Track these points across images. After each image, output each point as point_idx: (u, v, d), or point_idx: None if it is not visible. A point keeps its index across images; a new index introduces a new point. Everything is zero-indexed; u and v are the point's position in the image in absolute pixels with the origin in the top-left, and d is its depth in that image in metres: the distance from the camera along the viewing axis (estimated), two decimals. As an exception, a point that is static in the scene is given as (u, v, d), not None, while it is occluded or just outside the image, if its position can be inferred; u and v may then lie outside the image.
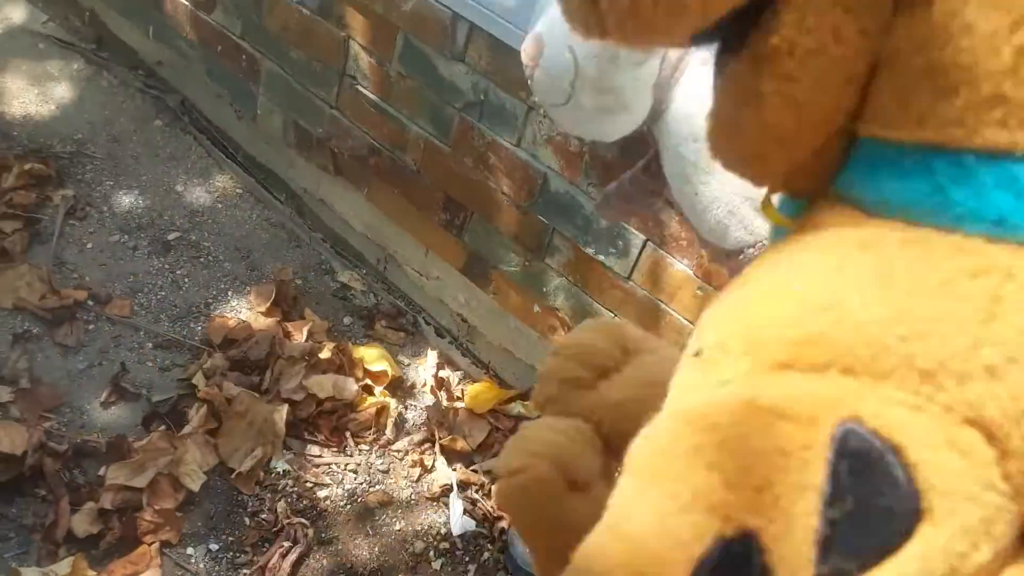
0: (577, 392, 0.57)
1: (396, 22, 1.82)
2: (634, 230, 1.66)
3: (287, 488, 1.84)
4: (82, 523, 1.65)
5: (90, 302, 2.04)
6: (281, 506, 1.79)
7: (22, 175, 2.22)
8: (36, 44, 2.64)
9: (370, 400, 2.00)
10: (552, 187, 1.74)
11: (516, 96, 1.70)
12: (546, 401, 0.57)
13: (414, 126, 1.91)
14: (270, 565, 1.70)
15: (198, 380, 1.94)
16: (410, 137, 1.93)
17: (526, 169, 1.75)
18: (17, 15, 2.71)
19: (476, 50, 1.72)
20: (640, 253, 1.67)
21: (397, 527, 1.84)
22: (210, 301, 2.16)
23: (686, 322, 1.66)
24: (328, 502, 1.84)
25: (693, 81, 0.94)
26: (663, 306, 1.68)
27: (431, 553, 1.81)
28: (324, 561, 1.74)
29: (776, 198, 0.51)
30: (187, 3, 2.27)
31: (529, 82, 0.95)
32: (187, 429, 1.85)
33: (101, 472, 1.73)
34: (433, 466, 1.93)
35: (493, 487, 0.58)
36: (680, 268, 1.62)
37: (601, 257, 1.73)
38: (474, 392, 2.07)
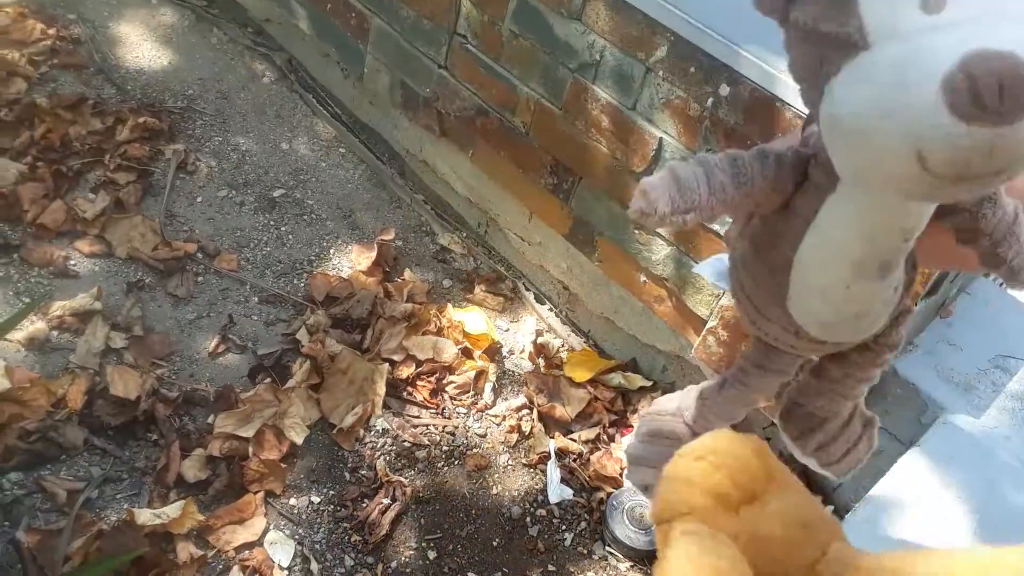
0: (720, 511, 0.48)
1: (512, -21, 1.78)
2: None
3: (386, 446, 1.85)
4: (192, 468, 1.69)
5: (199, 255, 2.08)
6: (380, 464, 1.81)
7: (136, 128, 2.27)
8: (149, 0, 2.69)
9: (469, 363, 1.99)
10: (668, 153, 1.68)
11: (634, 56, 1.65)
12: (684, 512, 0.48)
13: (525, 87, 1.88)
14: (369, 520, 1.71)
15: (301, 336, 1.96)
16: (520, 98, 1.90)
17: (641, 133, 1.70)
18: (132, -28, 2.77)
19: (595, 8, 1.67)
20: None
21: (494, 491, 1.84)
22: (313, 258, 2.18)
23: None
24: (426, 463, 1.85)
25: None
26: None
27: (527, 519, 1.80)
28: (422, 520, 1.75)
29: None
30: (298, -40, 2.27)
31: None
32: (291, 383, 1.87)
33: (210, 420, 1.78)
34: (531, 432, 1.92)
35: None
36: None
37: (715, 226, 1.67)
38: (574, 360, 2.04)
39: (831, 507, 1.75)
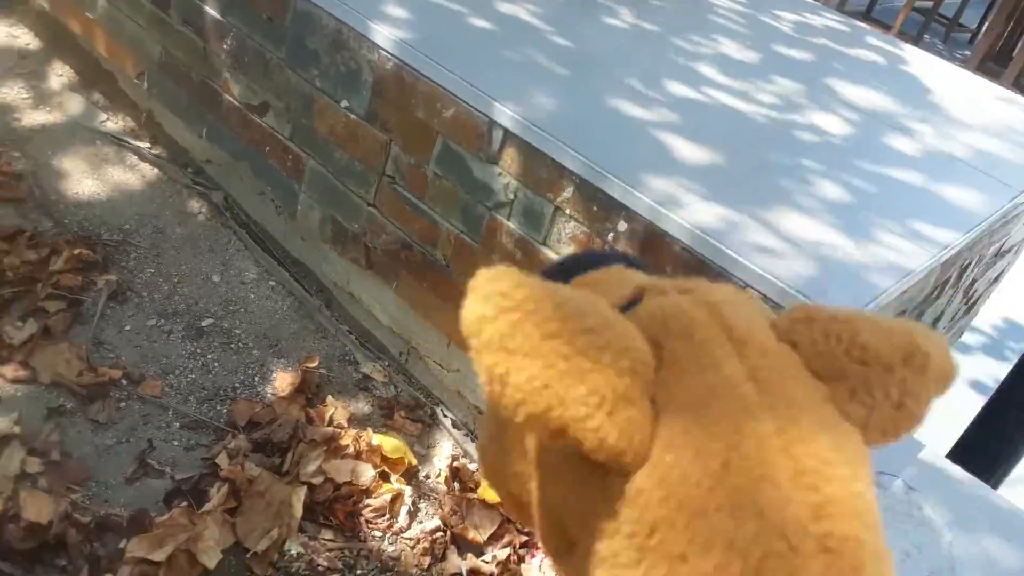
0: None
1: (436, 127, 1.96)
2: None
3: (299, 571, 1.85)
4: (99, 594, 1.66)
5: (124, 381, 2.11)
6: (294, 589, 1.80)
7: (70, 259, 2.34)
8: (94, 139, 2.82)
9: (386, 487, 2.03)
10: (574, 284, 1.82)
11: (544, 196, 1.81)
12: None
13: (446, 223, 2.02)
14: (280, 647, 1.69)
15: (221, 460, 1.98)
16: (441, 233, 2.04)
17: (550, 266, 1.85)
18: (77, 112, 2.91)
19: (509, 154, 1.85)
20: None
21: (408, 616, 1.84)
22: (237, 385, 2.23)
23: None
24: (340, 588, 1.85)
25: None
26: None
27: (441, 644, 1.80)
28: (333, 647, 1.74)
29: None
30: (241, 107, 2.44)
31: None
32: (207, 506, 1.88)
33: (122, 545, 1.76)
34: (444, 555, 1.94)
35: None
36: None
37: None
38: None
39: None
